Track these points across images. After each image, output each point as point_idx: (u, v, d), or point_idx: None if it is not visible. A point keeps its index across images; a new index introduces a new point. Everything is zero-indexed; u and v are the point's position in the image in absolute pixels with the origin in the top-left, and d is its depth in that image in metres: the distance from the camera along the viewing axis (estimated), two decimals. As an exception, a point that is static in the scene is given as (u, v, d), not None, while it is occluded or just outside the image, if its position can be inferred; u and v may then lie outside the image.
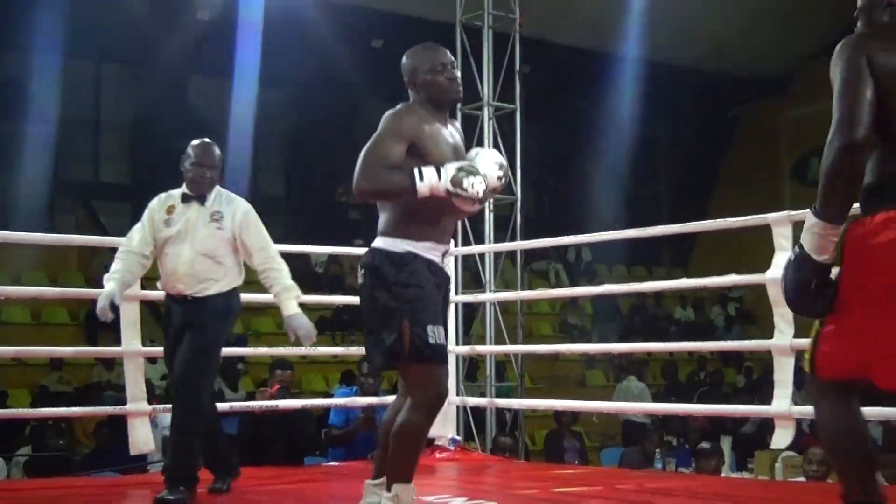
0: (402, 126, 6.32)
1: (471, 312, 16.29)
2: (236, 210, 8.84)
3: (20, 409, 16.67)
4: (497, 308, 15.99)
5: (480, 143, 16.76)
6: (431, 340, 6.11)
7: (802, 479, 11.95)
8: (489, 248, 16.06)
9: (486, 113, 16.81)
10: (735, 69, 29.98)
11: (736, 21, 26.39)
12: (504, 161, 6.97)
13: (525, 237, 16.60)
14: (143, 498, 9.66)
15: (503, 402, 15.23)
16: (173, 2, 22.79)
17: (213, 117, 27.43)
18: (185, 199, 8.68)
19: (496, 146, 16.72)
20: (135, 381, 10.51)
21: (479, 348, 15.37)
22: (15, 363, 19.51)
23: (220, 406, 16.40)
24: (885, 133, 4.76)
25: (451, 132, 6.80)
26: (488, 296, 15.47)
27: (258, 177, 28.51)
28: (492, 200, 16.62)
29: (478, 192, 5.98)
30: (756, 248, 10.91)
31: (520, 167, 16.87)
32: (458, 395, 12.63)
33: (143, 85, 28.50)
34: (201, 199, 8.68)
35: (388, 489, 6.16)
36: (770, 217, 9.32)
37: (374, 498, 6.68)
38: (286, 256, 25.14)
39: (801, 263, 4.95)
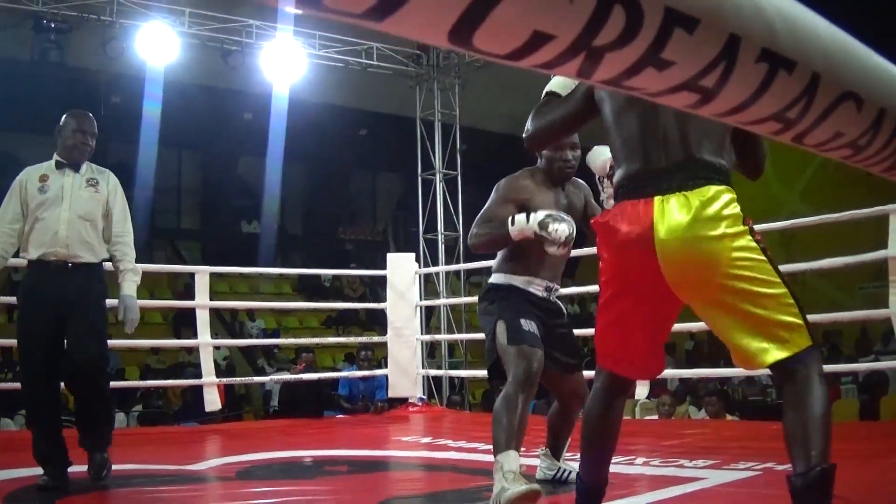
0: (509, 191, 5.66)
1: (430, 312, 16.37)
2: (109, 178, 6.97)
3: (133, 381, 16.69)
4: (448, 308, 16.05)
5: (434, 199, 16.83)
6: (525, 327, 5.40)
7: (655, 417, 12.01)
8: (442, 268, 16.12)
9: (438, 177, 16.88)
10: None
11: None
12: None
13: (466, 261, 16.63)
14: (215, 441, 9.71)
15: (454, 373, 15.27)
16: (228, 107, 22.78)
17: (255, 182, 27.47)
18: (59, 165, 6.69)
19: (444, 201, 16.80)
20: (206, 362, 10.56)
21: (437, 336, 15.40)
22: (128, 350, 19.49)
23: (262, 378, 16.58)
24: None
25: (564, 195, 5.88)
26: (442, 301, 15.53)
27: (284, 221, 28.52)
28: (442, 235, 16.72)
29: (560, 237, 5.15)
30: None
31: (461, 213, 16.89)
32: (422, 367, 12.64)
33: (208, 163, 28.56)
34: (76, 167, 6.72)
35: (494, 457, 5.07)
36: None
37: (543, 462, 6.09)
38: (306, 277, 24.69)
39: None
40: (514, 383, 5.22)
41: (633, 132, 3.66)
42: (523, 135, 4.27)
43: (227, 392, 14.82)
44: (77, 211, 6.56)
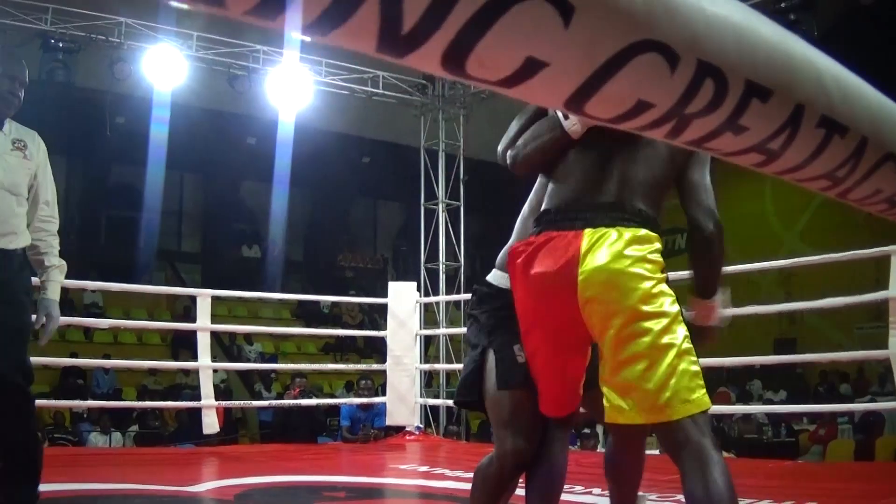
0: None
1: (428, 341, 16.36)
2: (39, 143, 5.31)
3: (129, 402, 16.71)
4: (447, 338, 16.06)
5: (436, 229, 16.87)
6: (521, 360, 3.82)
7: (653, 451, 11.98)
8: (442, 298, 16.15)
9: (441, 207, 16.96)
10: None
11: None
12: None
13: (466, 291, 16.65)
14: (212, 463, 9.70)
15: (451, 402, 15.27)
16: (232, 131, 22.79)
17: (256, 206, 27.57)
18: None
19: (446, 231, 16.85)
20: (206, 385, 10.53)
21: (436, 366, 15.40)
22: (126, 370, 19.53)
23: (260, 402, 16.58)
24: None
25: None
26: (441, 330, 15.51)
27: (287, 248, 28.52)
28: (444, 265, 16.75)
29: None
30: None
31: (463, 243, 16.94)
32: (420, 396, 12.63)
33: (210, 186, 28.61)
34: None
35: None
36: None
37: None
38: (305, 303, 24.61)
39: None
40: (499, 458, 4.04)
41: (581, 165, 3.61)
42: (509, 162, 3.96)
43: (224, 415, 14.83)
44: (2, 181, 5.02)
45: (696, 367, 3.24)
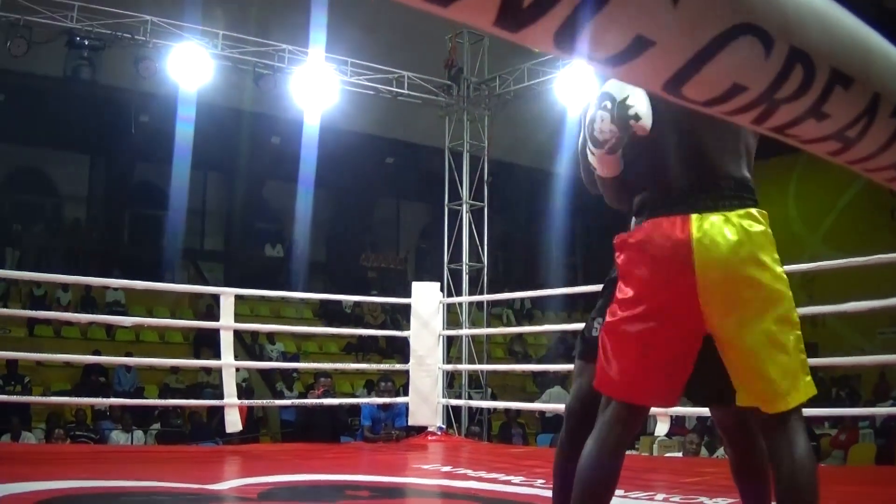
0: None
1: (449, 342, 16.33)
2: None
3: (152, 400, 16.74)
4: (470, 339, 16.04)
5: (460, 230, 16.86)
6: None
7: (676, 454, 11.96)
8: (465, 299, 16.15)
9: (465, 208, 16.95)
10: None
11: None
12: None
13: (489, 291, 16.65)
14: (235, 462, 9.69)
15: (474, 403, 15.26)
16: (256, 131, 22.85)
17: (280, 206, 27.59)
18: None
19: (470, 232, 16.83)
20: (229, 384, 10.52)
21: (459, 366, 15.38)
22: (148, 368, 19.52)
23: (282, 402, 16.56)
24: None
25: None
26: (464, 331, 15.53)
27: (310, 247, 28.51)
28: (467, 266, 16.75)
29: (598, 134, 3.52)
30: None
31: (486, 244, 16.93)
32: (443, 397, 12.59)
33: (234, 186, 28.65)
34: None
35: None
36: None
37: None
38: (328, 303, 24.56)
39: None
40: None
41: (666, 153, 3.50)
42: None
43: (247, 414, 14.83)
44: None
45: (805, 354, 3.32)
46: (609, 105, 3.50)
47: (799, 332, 3.29)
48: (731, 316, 3.26)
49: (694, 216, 3.32)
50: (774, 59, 1.35)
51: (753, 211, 3.35)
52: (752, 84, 1.38)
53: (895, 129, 1.62)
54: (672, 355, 3.41)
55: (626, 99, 3.44)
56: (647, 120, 3.45)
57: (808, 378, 3.27)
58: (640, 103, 3.43)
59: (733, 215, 3.30)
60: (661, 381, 3.45)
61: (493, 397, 18.79)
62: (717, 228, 3.28)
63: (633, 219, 3.59)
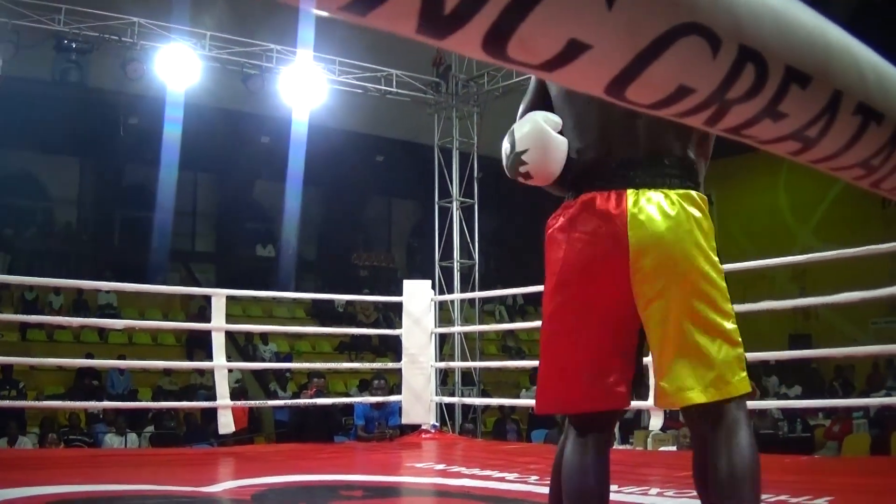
0: None
1: (442, 339, 16.33)
2: None
3: (145, 402, 16.73)
4: (462, 336, 16.05)
5: (451, 227, 16.87)
6: None
7: (671, 447, 11.94)
8: (456, 296, 16.14)
9: (455, 205, 16.95)
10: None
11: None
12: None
13: (480, 289, 16.65)
14: (228, 463, 9.68)
15: (467, 400, 15.25)
16: (245, 131, 22.83)
17: (270, 206, 27.58)
18: None
19: (461, 229, 16.84)
20: (221, 385, 10.50)
21: (451, 364, 15.39)
22: (141, 371, 19.53)
23: (275, 402, 16.56)
24: None
25: None
26: (456, 328, 15.51)
27: (301, 247, 28.46)
28: (458, 263, 16.75)
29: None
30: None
31: (477, 241, 16.93)
32: (436, 394, 12.59)
33: (224, 186, 28.64)
34: None
35: None
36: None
37: None
38: (320, 302, 24.59)
39: None
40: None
41: (603, 126, 3.31)
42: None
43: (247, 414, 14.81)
44: None
45: (742, 348, 3.12)
46: (508, 150, 3.41)
47: (735, 326, 3.12)
48: (664, 296, 3.10)
49: (630, 191, 3.17)
50: (723, 59, 1.32)
51: (694, 194, 3.19)
52: (700, 85, 1.35)
53: (858, 126, 1.59)
54: (602, 350, 3.22)
55: (522, 153, 3.33)
56: (542, 175, 3.34)
57: (744, 374, 3.09)
58: (537, 157, 3.31)
59: (673, 193, 3.15)
60: (595, 381, 3.23)
61: (486, 394, 18.76)
62: (654, 204, 3.13)
63: (566, 195, 3.41)
